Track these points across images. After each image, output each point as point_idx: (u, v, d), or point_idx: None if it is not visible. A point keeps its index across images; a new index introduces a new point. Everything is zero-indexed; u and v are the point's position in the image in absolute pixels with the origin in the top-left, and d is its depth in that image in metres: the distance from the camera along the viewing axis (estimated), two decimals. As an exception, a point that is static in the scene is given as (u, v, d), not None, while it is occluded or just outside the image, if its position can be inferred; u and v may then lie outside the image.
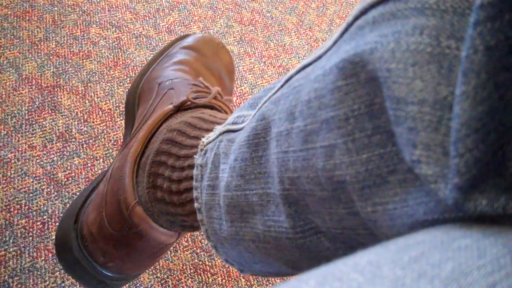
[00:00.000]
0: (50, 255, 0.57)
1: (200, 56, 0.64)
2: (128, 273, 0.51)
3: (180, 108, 0.51)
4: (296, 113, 0.29)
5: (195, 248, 0.64)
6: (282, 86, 0.32)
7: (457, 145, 0.19)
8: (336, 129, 0.25)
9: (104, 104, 0.72)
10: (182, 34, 0.86)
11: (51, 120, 0.67)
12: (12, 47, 0.72)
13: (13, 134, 0.64)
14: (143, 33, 0.83)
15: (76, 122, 0.68)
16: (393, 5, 0.23)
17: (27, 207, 0.59)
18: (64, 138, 0.66)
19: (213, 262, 0.64)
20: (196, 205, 0.41)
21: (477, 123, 0.18)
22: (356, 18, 0.26)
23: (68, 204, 0.61)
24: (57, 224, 0.59)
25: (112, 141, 0.68)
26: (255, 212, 0.34)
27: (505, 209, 0.19)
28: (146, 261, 0.50)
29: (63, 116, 0.68)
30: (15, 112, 0.66)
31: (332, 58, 0.26)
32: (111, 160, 0.67)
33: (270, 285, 0.65)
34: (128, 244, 0.48)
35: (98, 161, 0.66)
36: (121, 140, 0.69)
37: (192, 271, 0.62)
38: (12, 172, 0.61)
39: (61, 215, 0.60)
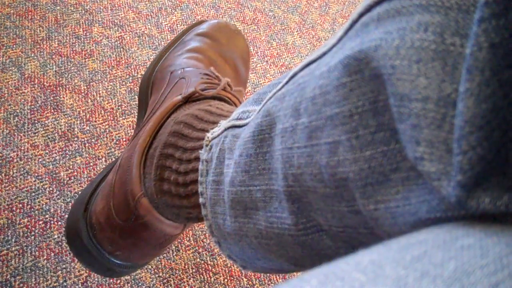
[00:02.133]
0: (52, 254, 0.57)
1: (215, 43, 0.63)
2: (136, 261, 0.52)
3: (189, 99, 0.51)
4: (301, 109, 0.29)
5: (197, 248, 0.64)
6: (287, 82, 0.32)
7: (461, 143, 0.18)
8: (340, 125, 0.25)
9: (107, 103, 0.72)
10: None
11: (53, 119, 0.67)
12: (14, 46, 0.72)
13: (15, 133, 0.64)
14: (145, 32, 0.83)
15: (78, 121, 0.68)
16: (398, 2, 0.23)
17: (29, 206, 0.59)
18: (66, 137, 0.66)
19: (215, 261, 0.64)
20: (201, 200, 0.41)
21: (481, 121, 0.18)
22: (361, 15, 0.26)
23: (70, 203, 0.61)
24: (61, 221, 0.59)
25: (115, 140, 0.68)
26: (259, 208, 0.35)
27: (508, 207, 0.18)
28: (152, 251, 0.50)
29: (66, 115, 0.68)
30: (18, 111, 0.66)
31: (337, 55, 0.26)
32: (113, 160, 0.67)
33: (272, 284, 0.65)
34: (134, 235, 0.48)
35: (100, 160, 0.66)
36: (124, 140, 0.69)
37: (194, 270, 0.62)
38: (15, 171, 0.61)
39: (63, 214, 0.60)
